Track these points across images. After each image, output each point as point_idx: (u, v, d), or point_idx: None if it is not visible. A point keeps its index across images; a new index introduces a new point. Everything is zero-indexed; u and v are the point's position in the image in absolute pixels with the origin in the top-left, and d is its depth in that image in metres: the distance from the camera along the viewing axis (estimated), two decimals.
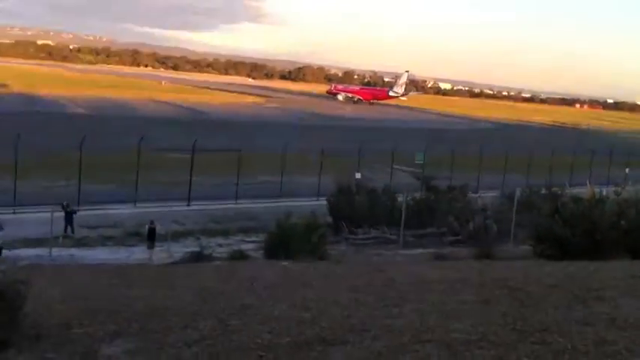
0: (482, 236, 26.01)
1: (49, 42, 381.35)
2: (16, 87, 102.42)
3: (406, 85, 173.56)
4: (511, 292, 12.88)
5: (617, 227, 20.06)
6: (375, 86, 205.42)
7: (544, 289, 12.67)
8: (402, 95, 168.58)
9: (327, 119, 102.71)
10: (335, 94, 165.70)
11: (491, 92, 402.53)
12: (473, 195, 33.46)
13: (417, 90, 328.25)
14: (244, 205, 35.08)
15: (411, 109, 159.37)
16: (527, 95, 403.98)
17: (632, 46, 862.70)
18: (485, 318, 11.74)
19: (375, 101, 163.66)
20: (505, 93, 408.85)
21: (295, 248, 20.89)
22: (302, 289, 15.33)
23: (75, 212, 27.32)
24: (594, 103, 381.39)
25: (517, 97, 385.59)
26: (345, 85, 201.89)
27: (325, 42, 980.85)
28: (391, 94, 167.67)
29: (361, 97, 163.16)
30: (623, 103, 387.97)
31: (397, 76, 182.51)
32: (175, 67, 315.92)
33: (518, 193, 30.39)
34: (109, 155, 40.74)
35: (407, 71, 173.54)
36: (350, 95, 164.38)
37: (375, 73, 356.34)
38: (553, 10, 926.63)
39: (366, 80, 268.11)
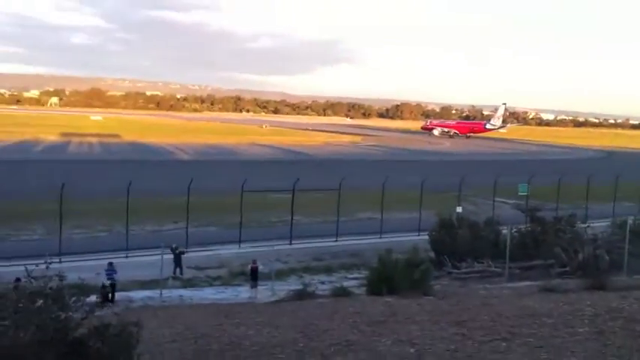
0: (593, 267, 24.90)
1: (158, 92, 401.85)
2: (127, 136, 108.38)
3: (504, 117, 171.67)
4: (627, 323, 12.35)
5: None
6: (473, 120, 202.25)
7: None
8: (500, 127, 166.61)
9: (426, 154, 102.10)
10: (431, 130, 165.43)
11: (596, 121, 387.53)
12: (581, 225, 32.09)
13: (518, 121, 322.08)
14: (345, 242, 35.25)
15: (512, 141, 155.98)
16: (636, 122, 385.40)
17: None
18: (599, 350, 11.28)
19: (472, 134, 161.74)
20: (612, 121, 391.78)
21: (398, 284, 20.80)
22: (406, 324, 15.29)
23: (183, 253, 28.34)
24: None
25: (625, 125, 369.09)
26: (441, 120, 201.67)
27: (422, 79, 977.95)
28: (488, 126, 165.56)
29: (457, 131, 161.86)
30: None
31: (495, 109, 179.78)
32: (276, 111, 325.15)
33: (630, 221, 28.93)
34: (214, 198, 42.19)
35: (504, 103, 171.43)
36: (446, 130, 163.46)
37: (473, 107, 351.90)
38: None
39: (464, 114, 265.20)
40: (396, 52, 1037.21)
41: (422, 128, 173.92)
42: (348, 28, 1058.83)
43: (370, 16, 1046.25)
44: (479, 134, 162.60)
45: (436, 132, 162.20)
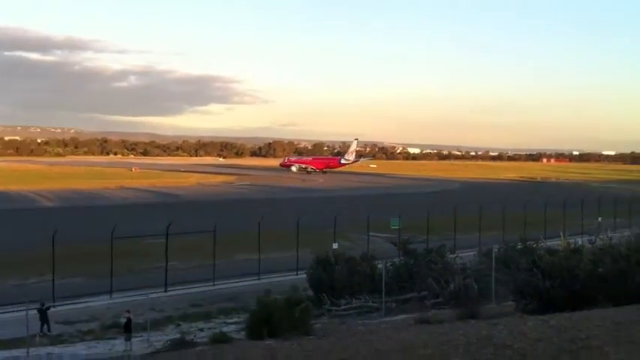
0: (464, 296, 25.93)
1: (17, 137, 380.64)
2: None
3: (356, 152, 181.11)
4: (498, 349, 12.84)
5: (595, 275, 20.27)
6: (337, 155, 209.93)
7: (530, 343, 12.65)
8: (353, 162, 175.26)
9: (300, 192, 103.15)
10: (289, 166, 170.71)
11: (459, 153, 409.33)
12: (451, 256, 33.46)
13: (387, 156, 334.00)
14: (223, 285, 34.62)
15: (383, 175, 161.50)
16: (495, 154, 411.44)
17: (592, 98, 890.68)
18: None
19: (329, 169, 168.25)
20: (473, 153, 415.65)
21: (278, 325, 20.57)
22: None
23: (48, 308, 26.67)
24: (560, 156, 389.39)
25: (485, 156, 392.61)
26: (299, 156, 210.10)
27: (295, 117, 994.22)
28: (343, 161, 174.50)
29: (314, 167, 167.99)
30: (588, 154, 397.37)
31: (347, 144, 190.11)
32: (145, 153, 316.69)
33: (495, 249, 30.51)
34: (81, 247, 40.28)
35: (356, 139, 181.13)
36: (303, 166, 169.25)
37: (344, 143, 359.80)
38: (513, 68, 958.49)
39: (336, 150, 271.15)
40: (269, 87, 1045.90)
41: (280, 165, 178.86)
42: (219, 66, 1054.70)
43: (239, 50, 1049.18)
44: (335, 169, 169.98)
45: (294, 168, 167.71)
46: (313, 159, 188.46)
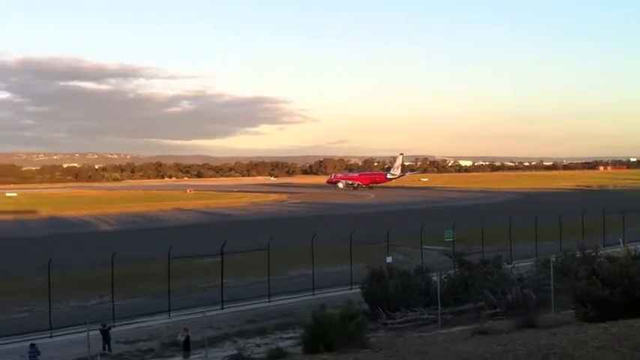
0: (522, 306, 25.47)
1: (75, 164, 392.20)
2: (44, 211, 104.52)
3: (402, 166, 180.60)
4: (559, 359, 12.59)
5: None
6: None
7: (592, 352, 12.38)
8: (399, 177, 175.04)
9: (352, 208, 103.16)
10: (335, 183, 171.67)
11: (512, 164, 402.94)
12: (507, 266, 32.95)
13: (438, 169, 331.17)
14: (278, 301, 34.81)
15: (434, 189, 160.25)
16: (549, 163, 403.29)
17: None
18: None
19: (375, 184, 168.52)
20: (526, 163, 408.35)
21: (334, 339, 20.60)
22: None
23: (110, 328, 27.27)
24: (617, 163, 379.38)
25: (539, 166, 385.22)
26: (345, 172, 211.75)
27: (344, 134, 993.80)
28: (389, 176, 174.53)
29: (361, 183, 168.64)
30: None
31: (393, 159, 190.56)
32: (199, 175, 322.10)
33: (553, 259, 29.91)
34: (139, 268, 41.12)
35: (401, 154, 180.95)
36: (350, 182, 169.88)
37: (394, 158, 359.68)
38: (565, 75, 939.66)
39: (386, 166, 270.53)
40: (318, 106, 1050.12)
41: (327, 182, 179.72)
42: (268, 87, 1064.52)
43: (288, 70, 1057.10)
44: (381, 184, 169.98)
45: (340, 184, 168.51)
46: (360, 175, 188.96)
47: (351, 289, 35.07)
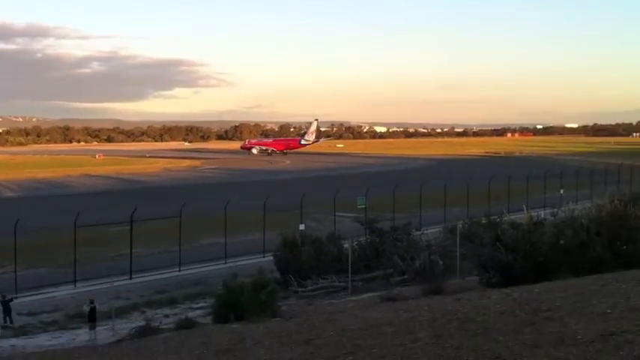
0: (429, 272, 26.12)
1: None
2: None
3: (317, 132, 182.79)
4: (462, 324, 12.89)
5: (557, 247, 20.53)
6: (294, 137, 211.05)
7: (493, 317, 12.73)
8: (314, 142, 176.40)
9: (267, 174, 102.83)
10: (249, 148, 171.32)
11: (425, 130, 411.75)
12: (416, 232, 33.69)
13: (354, 135, 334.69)
14: (189, 271, 34.35)
15: (350, 155, 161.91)
16: (460, 130, 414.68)
17: (557, 71, 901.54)
18: (439, 353, 11.68)
19: (289, 150, 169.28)
20: (439, 130, 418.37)
21: (245, 308, 20.48)
22: (254, 349, 15.02)
23: (11, 300, 26.18)
24: (524, 130, 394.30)
25: (451, 133, 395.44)
26: (259, 138, 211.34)
27: (261, 99, 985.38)
28: (303, 142, 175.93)
29: (275, 149, 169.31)
30: (552, 127, 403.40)
31: (309, 125, 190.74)
32: (109, 139, 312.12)
33: (459, 225, 30.74)
34: (45, 236, 39.60)
35: (316, 119, 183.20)
36: (264, 148, 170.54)
37: (309, 123, 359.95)
38: (475, 43, 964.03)
39: (302, 131, 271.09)
40: (235, 70, 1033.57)
41: (241, 147, 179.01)
42: (184, 50, 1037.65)
43: (204, 33, 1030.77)
44: (295, 149, 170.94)
45: (254, 150, 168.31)
46: (274, 141, 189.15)
47: (264, 257, 34.98)
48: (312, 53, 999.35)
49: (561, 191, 55.77)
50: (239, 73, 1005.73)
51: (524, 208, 30.53)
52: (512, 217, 31.42)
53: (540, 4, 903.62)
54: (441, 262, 27.49)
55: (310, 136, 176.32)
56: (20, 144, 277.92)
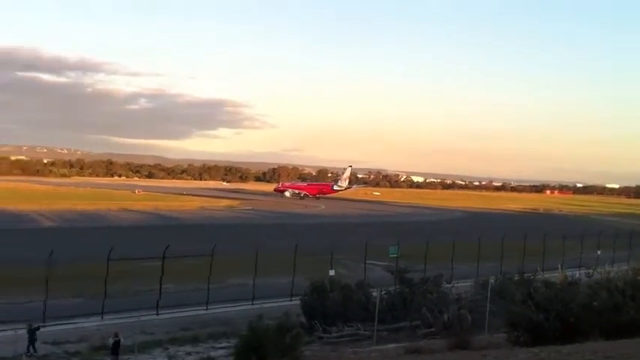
0: (457, 327, 25.59)
1: (23, 157, 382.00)
2: None
3: (349, 178, 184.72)
4: None
5: (590, 309, 19.98)
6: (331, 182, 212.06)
7: None
8: (346, 189, 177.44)
9: (301, 218, 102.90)
10: (282, 191, 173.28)
11: (462, 183, 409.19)
12: (447, 285, 33.13)
13: (391, 184, 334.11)
14: (216, 310, 34.27)
15: (385, 203, 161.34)
16: (498, 184, 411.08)
17: (598, 130, 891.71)
18: None
19: (321, 195, 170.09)
20: (476, 183, 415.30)
21: (268, 351, 20.27)
22: None
23: (38, 328, 26.37)
24: (564, 188, 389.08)
25: (488, 187, 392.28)
26: (293, 181, 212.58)
27: (302, 142, 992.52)
28: (336, 187, 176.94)
29: (307, 193, 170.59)
30: (592, 187, 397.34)
31: (340, 171, 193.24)
32: (150, 175, 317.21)
33: (492, 280, 30.18)
34: (78, 267, 40.04)
35: (350, 166, 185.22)
36: (297, 191, 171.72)
37: (344, 169, 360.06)
38: (517, 99, 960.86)
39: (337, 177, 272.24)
40: (278, 112, 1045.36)
41: (274, 190, 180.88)
42: (230, 90, 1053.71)
43: (251, 74, 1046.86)
44: (328, 195, 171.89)
45: (287, 193, 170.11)
46: (307, 185, 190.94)
47: (291, 300, 34.80)
48: (353, 99, 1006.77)
49: (598, 252, 54.57)
50: (281, 116, 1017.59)
51: (559, 267, 29.90)
52: (547, 275, 30.79)
53: (584, 61, 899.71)
54: (470, 317, 26.91)
55: (343, 182, 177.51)
56: (63, 175, 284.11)
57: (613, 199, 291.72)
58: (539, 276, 31.39)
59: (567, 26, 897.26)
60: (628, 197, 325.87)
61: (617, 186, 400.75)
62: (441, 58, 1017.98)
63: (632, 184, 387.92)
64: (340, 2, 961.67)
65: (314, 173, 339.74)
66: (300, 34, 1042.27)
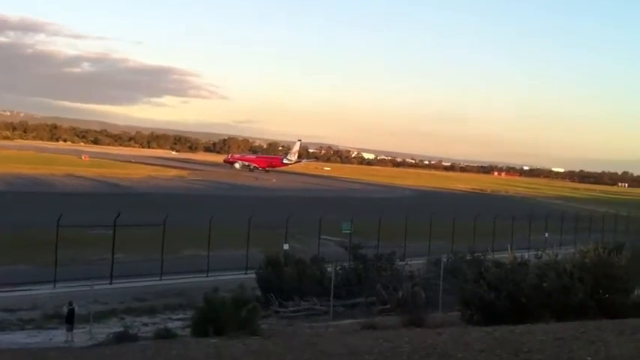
0: (411, 304, 26.19)
1: None
2: None
3: (299, 152, 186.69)
4: (440, 358, 13.00)
5: (540, 289, 20.69)
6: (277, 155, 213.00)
7: (474, 354, 12.82)
8: (295, 162, 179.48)
9: (253, 190, 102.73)
10: (232, 163, 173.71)
11: (413, 161, 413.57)
12: (400, 263, 33.77)
13: (342, 160, 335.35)
14: (170, 281, 34.14)
15: (337, 179, 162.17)
16: (448, 164, 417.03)
17: (545, 114, 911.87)
18: None
19: (271, 168, 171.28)
20: (426, 162, 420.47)
21: (225, 324, 20.39)
22: None
23: None
24: (511, 170, 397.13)
25: (438, 166, 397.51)
26: (242, 153, 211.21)
27: (252, 114, 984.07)
28: (285, 161, 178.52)
29: (257, 165, 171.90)
30: (538, 170, 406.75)
31: (291, 145, 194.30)
32: (96, 141, 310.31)
33: (444, 259, 30.89)
34: (25, 233, 39.26)
35: (299, 140, 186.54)
36: (247, 163, 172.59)
37: (293, 143, 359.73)
38: (468, 78, 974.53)
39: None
40: (227, 83, 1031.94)
41: (224, 161, 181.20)
42: (177, 58, 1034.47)
43: (199, 43, 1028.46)
44: (277, 168, 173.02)
45: (237, 165, 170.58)
46: (257, 157, 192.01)
47: (246, 273, 34.91)
48: (308, 74, 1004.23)
49: (546, 234, 56.21)
50: (231, 87, 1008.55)
51: (509, 248, 30.75)
52: (497, 255, 31.64)
53: (533, 44, 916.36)
54: (424, 295, 27.58)
55: (292, 156, 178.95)
56: (6, 138, 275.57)
57: (558, 183, 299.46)
58: (490, 256, 32.22)
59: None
60: (572, 181, 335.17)
61: (562, 170, 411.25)
62: (399, 37, 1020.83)
63: (577, 168, 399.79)
64: None
65: (265, 146, 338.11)
66: (255, 4, 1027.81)
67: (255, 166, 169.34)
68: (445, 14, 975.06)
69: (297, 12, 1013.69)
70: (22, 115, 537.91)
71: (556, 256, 26.35)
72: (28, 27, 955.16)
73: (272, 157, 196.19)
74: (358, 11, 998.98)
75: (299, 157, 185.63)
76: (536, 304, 19.84)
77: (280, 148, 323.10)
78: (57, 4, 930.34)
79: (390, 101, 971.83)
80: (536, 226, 58.50)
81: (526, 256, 28.04)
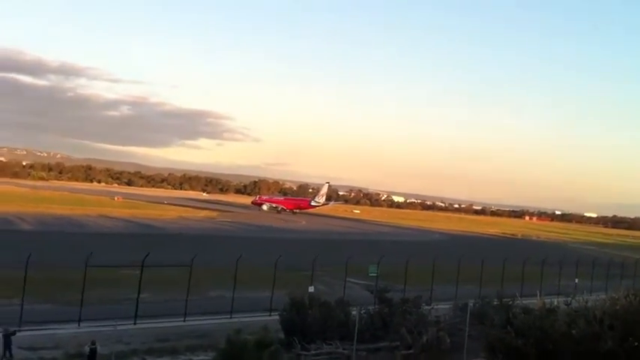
0: (436, 349, 25.67)
1: (2, 159, 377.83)
2: None
3: (327, 195, 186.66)
4: None
5: (569, 336, 20.17)
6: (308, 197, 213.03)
7: None
8: (323, 205, 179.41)
9: (282, 232, 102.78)
10: (260, 204, 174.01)
11: (443, 205, 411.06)
12: (426, 307, 33.20)
13: (371, 203, 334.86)
14: (194, 322, 34.00)
15: (365, 221, 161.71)
16: (478, 208, 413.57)
17: (577, 159, 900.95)
18: None
19: (299, 210, 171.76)
20: (456, 205, 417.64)
21: None
22: None
23: (14, 333, 26.03)
24: (543, 215, 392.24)
25: (468, 210, 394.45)
26: (270, 195, 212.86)
27: (284, 156, 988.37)
28: (313, 203, 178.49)
29: (285, 207, 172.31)
30: (571, 215, 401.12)
31: (319, 187, 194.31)
32: (129, 183, 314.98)
33: (471, 304, 30.30)
34: (54, 273, 39.61)
35: (328, 182, 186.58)
36: (274, 205, 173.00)
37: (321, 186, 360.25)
38: (499, 124, 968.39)
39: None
40: (261, 125, 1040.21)
41: (252, 203, 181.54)
42: (213, 103, 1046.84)
43: (234, 87, 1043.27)
44: (305, 210, 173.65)
45: (265, 207, 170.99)
46: (284, 199, 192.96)
47: (270, 315, 34.65)
48: (338, 117, 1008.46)
49: (576, 280, 55.01)
50: (265, 130, 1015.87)
51: (538, 294, 30.07)
52: (525, 301, 30.96)
53: (566, 92, 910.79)
54: (449, 340, 27.00)
55: (320, 198, 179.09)
56: (42, 178, 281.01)
57: (591, 228, 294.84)
58: (518, 301, 31.56)
59: (557, 50, 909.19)
60: (605, 226, 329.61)
61: (594, 215, 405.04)
62: (426, 80, 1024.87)
63: (610, 213, 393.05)
64: (331, 18, 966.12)
65: (295, 188, 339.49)
66: (286, 47, 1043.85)
67: (282, 208, 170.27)
68: (473, 50, 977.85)
69: (322, 52, 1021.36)
70: (58, 156, 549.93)
71: (586, 302, 25.74)
72: (68, 71, 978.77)
73: (300, 199, 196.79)
74: (385, 55, 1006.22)
75: (327, 199, 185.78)
76: (564, 352, 19.34)
77: (310, 190, 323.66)
78: (97, 48, 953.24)
79: (421, 143, 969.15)
80: (567, 272, 57.32)
81: (555, 302, 27.43)
